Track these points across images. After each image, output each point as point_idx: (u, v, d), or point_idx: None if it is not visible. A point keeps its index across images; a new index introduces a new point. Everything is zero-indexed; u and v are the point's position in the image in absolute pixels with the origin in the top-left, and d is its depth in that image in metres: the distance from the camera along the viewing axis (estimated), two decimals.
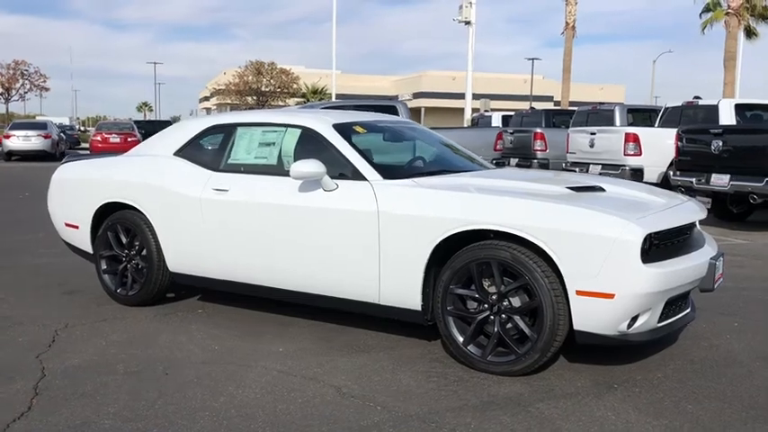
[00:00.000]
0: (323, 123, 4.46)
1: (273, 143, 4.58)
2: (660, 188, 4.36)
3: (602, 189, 4.00)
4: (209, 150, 4.87)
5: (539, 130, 13.98)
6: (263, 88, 47.53)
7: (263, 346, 4.14)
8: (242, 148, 4.69)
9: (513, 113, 18.09)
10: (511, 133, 14.57)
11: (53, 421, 3.08)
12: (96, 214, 5.17)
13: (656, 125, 13.15)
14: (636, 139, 11.15)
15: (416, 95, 69.60)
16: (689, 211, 3.88)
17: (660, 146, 11.21)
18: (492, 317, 3.67)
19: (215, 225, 4.54)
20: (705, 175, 9.36)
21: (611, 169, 11.37)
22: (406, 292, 3.91)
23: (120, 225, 5.02)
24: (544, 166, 13.79)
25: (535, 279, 3.47)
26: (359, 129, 4.57)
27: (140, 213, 4.92)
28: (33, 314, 4.82)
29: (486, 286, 3.69)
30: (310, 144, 4.43)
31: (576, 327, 3.47)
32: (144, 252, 4.93)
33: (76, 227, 5.32)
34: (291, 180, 4.30)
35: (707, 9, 33.03)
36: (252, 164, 4.60)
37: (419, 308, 3.90)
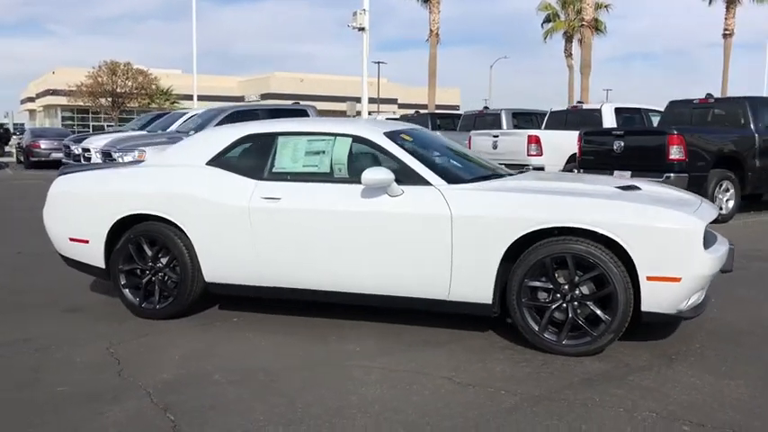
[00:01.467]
0: (374, 132, 4.68)
1: (323, 152, 4.72)
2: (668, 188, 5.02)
3: (638, 188, 4.58)
4: (247, 159, 4.89)
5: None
6: (117, 89, 44.99)
7: (341, 347, 4.30)
8: (286, 156, 4.77)
9: (396, 117, 18.72)
10: None
11: None
12: (113, 228, 5.00)
13: (543, 127, 14.36)
14: (537, 140, 12.15)
15: (264, 96, 69.06)
16: (711, 206, 4.55)
17: (557, 146, 12.29)
18: (564, 305, 4.11)
19: (266, 233, 4.59)
20: (607, 172, 10.46)
21: (515, 169, 12.28)
22: (478, 287, 4.25)
23: (144, 237, 4.90)
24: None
25: (609, 269, 3.96)
26: (405, 137, 4.83)
27: (171, 225, 4.84)
28: (58, 335, 4.59)
29: (557, 278, 4.13)
30: (363, 152, 4.63)
31: (643, 308, 4.00)
32: (174, 264, 4.85)
33: (86, 241, 5.09)
34: (351, 186, 4.48)
35: (548, 20, 36.08)
36: (300, 172, 4.70)
37: (490, 301, 4.26)
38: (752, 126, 10.69)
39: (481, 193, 4.28)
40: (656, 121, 14.02)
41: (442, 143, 5.25)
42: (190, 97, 40.78)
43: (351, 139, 4.68)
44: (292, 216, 4.54)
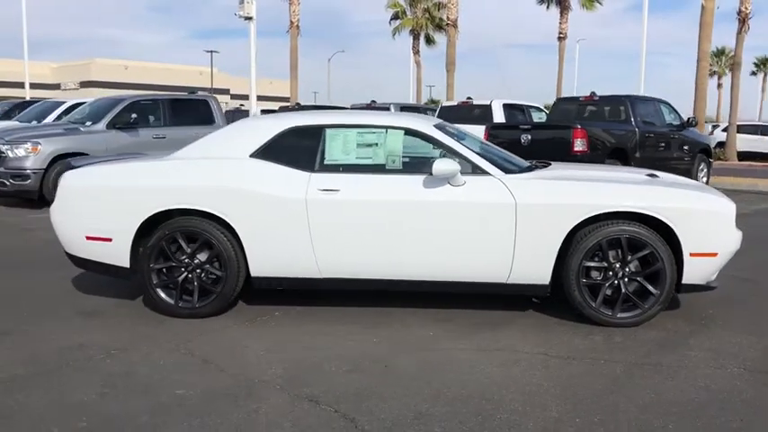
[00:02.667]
0: (426, 125, 4.86)
1: (376, 144, 4.81)
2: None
3: (657, 176, 5.15)
4: (294, 152, 4.84)
5: None
6: None
7: (415, 333, 4.45)
8: (336, 149, 4.80)
9: (278, 108, 18.55)
10: None
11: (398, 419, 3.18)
12: (144, 224, 4.74)
13: None
14: None
15: (84, 84, 64.55)
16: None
17: None
18: (616, 282, 4.58)
19: (325, 225, 4.61)
20: None
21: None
22: (538, 270, 4.59)
23: (180, 233, 4.70)
24: None
25: (658, 247, 4.48)
26: (450, 129, 5.05)
27: (213, 219, 4.69)
28: (107, 339, 4.31)
29: (610, 257, 4.58)
30: (415, 144, 4.79)
31: (684, 281, 4.57)
32: (215, 260, 4.71)
33: (108, 239, 4.77)
34: (408, 177, 4.64)
35: (396, 17, 37.17)
36: (353, 164, 4.76)
37: (547, 282, 4.63)
38: (632, 121, 12.01)
39: (539, 182, 4.63)
40: (535, 116, 15.22)
41: (473, 137, 5.52)
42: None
43: (403, 132, 4.82)
44: (353, 207, 4.60)
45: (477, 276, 4.66)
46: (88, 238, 4.82)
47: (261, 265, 4.73)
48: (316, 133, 4.85)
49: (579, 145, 10.66)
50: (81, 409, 3.30)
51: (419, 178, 4.63)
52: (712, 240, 4.53)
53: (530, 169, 5.02)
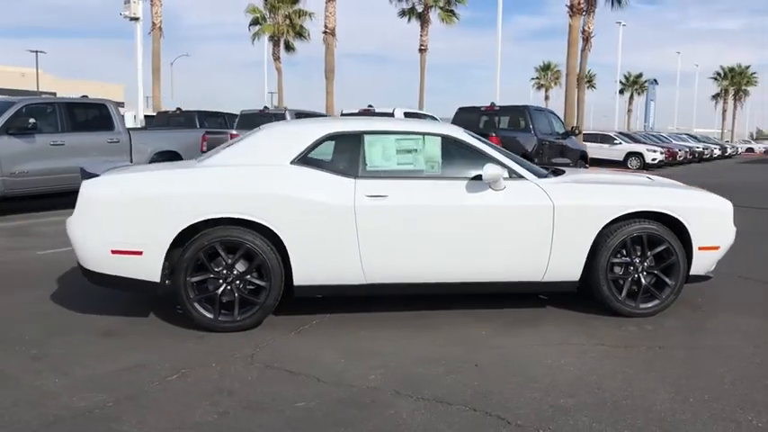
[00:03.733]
0: (458, 131, 5.01)
1: (415, 150, 4.88)
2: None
3: (653, 179, 5.66)
4: (335, 158, 4.80)
5: (234, 131, 14.46)
6: None
7: (465, 332, 4.59)
8: (376, 155, 4.82)
9: (155, 114, 17.72)
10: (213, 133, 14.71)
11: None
12: (179, 235, 4.49)
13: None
14: None
15: None
16: None
17: None
18: (636, 275, 5.01)
19: (374, 231, 4.62)
20: None
21: None
22: (570, 268, 4.91)
23: (220, 243, 4.50)
24: None
25: (673, 243, 4.97)
26: (476, 136, 5.23)
27: (254, 227, 4.54)
28: (158, 357, 4.06)
29: (632, 253, 5.00)
30: (453, 150, 4.93)
31: (691, 272, 5.10)
32: (258, 269, 4.57)
33: (137, 253, 4.46)
34: (449, 182, 4.79)
35: (255, 22, 36.64)
36: (395, 170, 4.81)
37: (578, 279, 4.96)
38: (532, 129, 12.88)
39: (571, 185, 4.95)
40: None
41: (490, 143, 5.74)
42: None
43: (440, 138, 4.94)
44: (403, 213, 4.66)
45: (516, 276, 4.89)
46: (114, 251, 4.47)
47: (305, 273, 4.64)
48: (355, 140, 4.84)
49: None
50: (212, 430, 3.12)
51: (461, 183, 4.79)
52: (716, 235, 5.08)
53: (555, 174, 5.33)
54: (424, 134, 4.94)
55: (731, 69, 69.01)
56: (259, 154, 4.74)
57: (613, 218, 4.88)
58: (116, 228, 4.46)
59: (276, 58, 36.67)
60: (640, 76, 70.34)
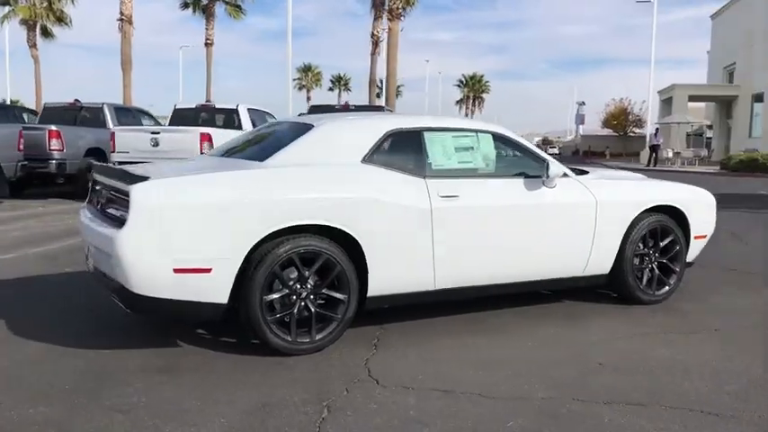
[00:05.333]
0: (503, 129, 4.92)
1: (471, 148, 4.70)
2: None
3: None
4: (400, 156, 4.43)
5: (54, 128, 12.54)
6: None
7: (537, 331, 4.56)
8: (438, 153, 4.55)
9: None
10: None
11: None
12: (254, 247, 3.85)
13: (168, 124, 13.97)
14: (210, 138, 11.92)
15: None
16: None
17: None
18: (651, 265, 5.36)
19: (448, 233, 4.38)
20: None
21: None
22: (605, 261, 5.10)
23: (296, 255, 3.95)
24: (62, 166, 12.62)
25: (678, 233, 5.41)
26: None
27: (333, 235, 4.06)
28: (262, 394, 3.47)
29: (647, 245, 5.33)
30: (502, 148, 4.84)
31: (686, 260, 5.59)
32: (336, 282, 4.09)
33: (206, 270, 3.74)
34: (507, 180, 4.73)
35: (4, 2, 32.10)
36: (456, 169, 4.59)
37: (608, 271, 5.18)
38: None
39: (605, 181, 5.14)
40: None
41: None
42: None
43: (491, 136, 4.81)
44: (474, 213, 4.48)
45: (564, 272, 4.96)
46: (178, 270, 3.68)
47: (381, 282, 4.24)
48: (416, 137, 4.53)
49: None
50: None
51: (518, 181, 4.73)
52: (706, 225, 5.63)
53: (583, 172, 5.46)
54: (477, 131, 4.79)
55: (471, 77, 76.36)
56: (327, 152, 4.23)
57: (640, 212, 5.17)
58: (181, 242, 3.68)
59: (32, 45, 32.48)
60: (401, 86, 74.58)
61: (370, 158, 4.29)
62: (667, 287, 5.41)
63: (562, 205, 4.83)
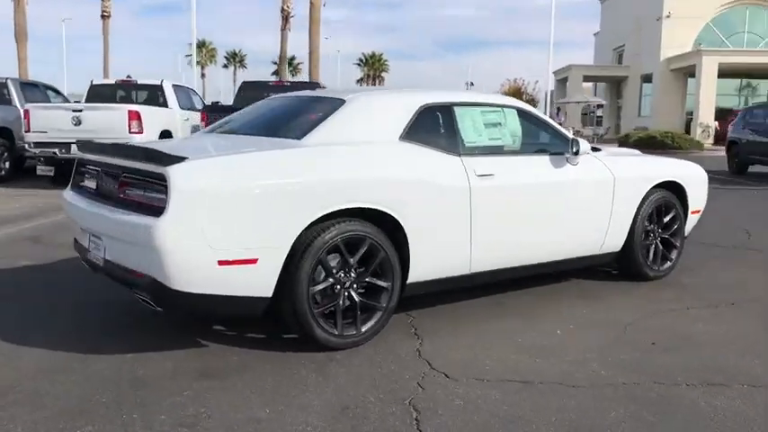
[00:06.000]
0: (523, 104, 4.74)
1: (498, 123, 4.49)
2: None
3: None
4: (434, 133, 4.16)
5: None
6: None
7: (573, 311, 4.45)
8: (469, 129, 4.31)
9: None
10: None
11: None
12: (302, 234, 3.50)
13: (84, 101, 12.97)
14: (138, 116, 11.10)
15: None
16: None
17: (152, 123, 11.52)
18: (655, 241, 5.38)
19: (485, 214, 4.17)
20: None
21: None
22: (619, 238, 5.06)
23: (341, 241, 3.63)
24: None
25: (679, 209, 5.45)
26: None
27: (374, 218, 3.76)
28: (357, 393, 3.18)
29: (652, 221, 5.33)
30: (525, 123, 4.67)
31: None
32: (379, 269, 3.80)
33: (252, 261, 3.36)
34: (534, 158, 4.58)
35: None
36: (487, 146, 4.38)
37: (620, 248, 5.14)
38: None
39: (619, 158, 5.09)
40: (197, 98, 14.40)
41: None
42: None
43: (516, 111, 4.62)
44: (509, 192, 4.29)
45: (584, 251, 4.87)
46: (222, 262, 3.27)
47: (421, 268, 3.99)
48: (447, 112, 4.27)
49: None
50: None
51: (544, 159, 4.59)
52: (700, 200, 5.71)
53: (594, 149, 5.36)
54: (502, 106, 4.59)
55: (371, 56, 76.07)
56: (364, 128, 3.91)
57: (651, 187, 5.16)
58: (227, 231, 3.27)
59: None
60: (294, 58, 73.29)
61: (407, 135, 4.00)
62: (669, 262, 5.45)
63: (585, 183, 4.73)
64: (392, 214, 3.76)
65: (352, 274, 3.70)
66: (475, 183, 4.10)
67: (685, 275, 5.51)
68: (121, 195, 3.54)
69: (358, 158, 3.73)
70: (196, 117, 13.11)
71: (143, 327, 4.04)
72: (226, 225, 3.26)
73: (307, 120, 4.01)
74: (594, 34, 53.19)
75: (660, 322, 4.28)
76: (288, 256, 3.44)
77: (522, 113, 4.66)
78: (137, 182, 3.45)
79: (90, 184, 3.98)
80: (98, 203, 3.70)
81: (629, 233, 5.10)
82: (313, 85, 12.68)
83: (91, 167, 4.00)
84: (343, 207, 3.57)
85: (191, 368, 3.39)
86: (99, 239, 3.66)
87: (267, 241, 3.37)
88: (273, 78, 13.53)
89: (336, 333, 3.62)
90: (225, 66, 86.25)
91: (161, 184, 3.22)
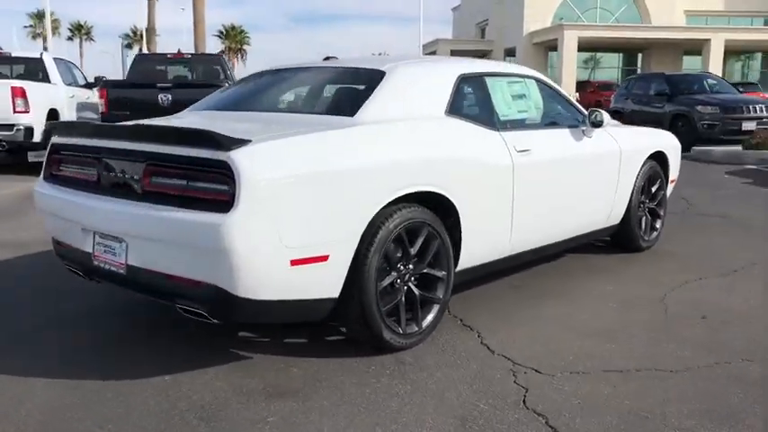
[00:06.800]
0: (539, 73, 4.51)
1: (524, 95, 4.22)
2: None
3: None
4: (472, 106, 3.83)
5: None
6: None
7: (609, 290, 4.33)
8: (501, 101, 4.01)
9: None
10: None
11: None
12: (369, 223, 3.08)
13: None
14: (24, 93, 9.79)
15: None
16: None
17: (40, 101, 10.24)
18: (646, 210, 5.36)
19: (524, 193, 3.91)
20: None
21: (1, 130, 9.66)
22: (621, 210, 4.98)
23: (403, 230, 3.24)
24: None
25: (663, 178, 5.48)
26: None
27: (431, 202, 3.40)
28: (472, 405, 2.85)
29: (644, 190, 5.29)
30: (545, 95, 4.45)
31: None
32: (435, 258, 3.45)
33: (323, 258, 2.90)
34: (557, 131, 4.38)
35: None
36: (518, 119, 4.11)
37: (620, 221, 5.08)
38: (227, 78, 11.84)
39: (620, 129, 5.00)
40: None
41: None
42: None
43: (535, 82, 4.38)
44: (543, 169, 4.06)
45: (595, 224, 4.76)
46: (295, 262, 2.79)
47: (471, 253, 3.68)
48: (481, 83, 3.95)
49: None
50: None
51: (565, 132, 4.40)
52: (677, 168, 5.79)
53: None
54: (524, 77, 4.33)
55: (231, 28, 73.08)
56: (410, 102, 3.50)
57: (647, 157, 5.13)
58: (300, 224, 2.78)
59: None
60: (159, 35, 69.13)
61: (451, 110, 3.64)
62: (656, 232, 5.48)
63: (599, 155, 4.60)
64: (448, 197, 3.40)
65: (410, 266, 3.31)
66: (516, 159, 3.82)
67: (668, 245, 5.55)
68: (148, 187, 2.92)
69: (417, 137, 3.33)
70: (82, 94, 11.84)
71: (159, 339, 3.44)
72: (299, 218, 2.77)
73: (348, 94, 3.56)
74: (453, 9, 54.43)
75: (690, 295, 4.23)
76: (356, 249, 3.00)
77: (540, 84, 4.43)
78: (173, 170, 2.85)
79: (82, 174, 3.29)
80: (109, 198, 3.05)
81: (627, 205, 5.05)
82: (217, 57, 11.81)
83: (80, 154, 3.31)
84: (409, 191, 3.17)
85: (251, 387, 2.89)
86: (116, 242, 3.02)
87: (337, 234, 2.91)
88: (171, 52, 12.37)
89: (401, 332, 3.24)
90: (69, 38, 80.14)
91: (219, 172, 2.66)
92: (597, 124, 4.42)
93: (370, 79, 3.54)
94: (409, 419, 2.62)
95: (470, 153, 3.55)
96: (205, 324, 3.01)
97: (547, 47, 38.96)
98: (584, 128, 4.47)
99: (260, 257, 2.67)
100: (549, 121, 4.41)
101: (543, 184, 4.06)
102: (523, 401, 2.78)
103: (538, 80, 4.43)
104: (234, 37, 73.25)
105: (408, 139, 3.28)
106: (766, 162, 11.16)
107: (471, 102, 3.85)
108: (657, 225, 5.47)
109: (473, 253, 3.68)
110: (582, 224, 4.60)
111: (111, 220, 3.00)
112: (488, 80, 4.00)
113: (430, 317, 3.39)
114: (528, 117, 4.24)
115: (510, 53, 42.05)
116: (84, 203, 3.13)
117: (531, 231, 4.08)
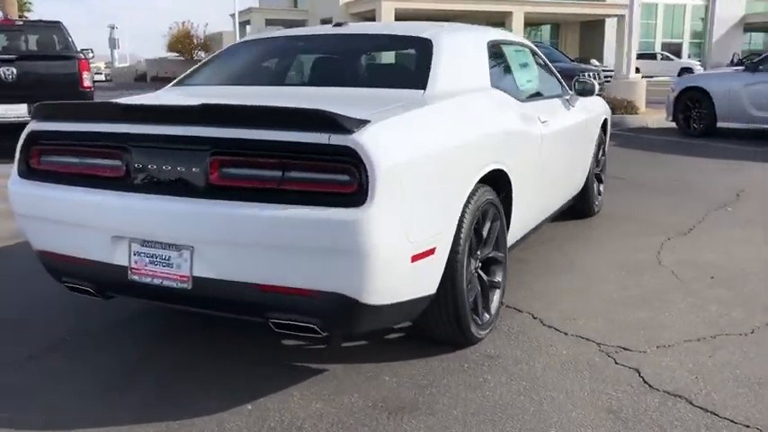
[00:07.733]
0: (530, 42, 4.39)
1: (527, 64, 4.07)
2: None
3: None
4: (498, 75, 3.59)
5: None
6: None
7: (612, 262, 4.36)
8: (517, 71, 3.84)
9: None
10: None
11: None
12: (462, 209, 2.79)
13: None
14: None
15: None
16: None
17: None
18: (594, 177, 5.50)
19: (547, 165, 3.81)
20: None
21: None
22: (585, 178, 5.04)
23: (480, 214, 2.98)
24: None
25: (604, 144, 5.64)
26: None
27: (494, 180, 3.18)
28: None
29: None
30: (538, 64, 4.34)
31: None
32: (496, 240, 3.24)
33: (432, 251, 2.58)
34: (555, 101, 4.31)
35: None
36: (527, 89, 3.96)
37: (581, 188, 5.14)
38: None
39: (584, 98, 5.01)
40: None
41: None
42: None
43: (529, 51, 4.24)
44: (558, 139, 3.98)
45: (574, 191, 4.78)
46: (415, 258, 2.43)
47: (513, 231, 3.50)
48: (499, 51, 3.74)
49: (88, 79, 8.98)
50: None
51: (558, 101, 4.33)
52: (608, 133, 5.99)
53: None
54: (523, 45, 4.17)
55: None
56: (462, 75, 3.20)
57: (601, 125, 5.23)
58: (419, 215, 2.42)
59: None
60: None
61: (491, 81, 3.40)
62: (600, 196, 5.65)
63: (583, 123, 4.61)
64: (507, 174, 3.18)
65: (478, 252, 3.06)
66: (543, 130, 3.69)
67: (610, 208, 5.75)
68: (224, 182, 2.37)
69: (489, 112, 3.07)
70: None
71: (207, 362, 2.88)
72: (419, 207, 2.41)
73: (402, 65, 3.19)
74: None
75: (678, 257, 4.35)
76: (453, 238, 2.69)
77: (533, 53, 4.31)
78: (265, 160, 2.32)
79: (94, 168, 2.62)
80: (161, 196, 2.44)
81: (588, 171, 5.14)
82: (56, 24, 10.27)
83: (89, 143, 2.63)
84: (490, 169, 2.91)
85: (357, 404, 2.50)
86: (173, 250, 2.44)
87: (442, 223, 2.59)
88: None
89: (480, 323, 2.99)
90: None
91: (339, 159, 2.22)
92: (586, 93, 4.40)
93: (421, 49, 3.18)
94: (560, 419, 2.41)
95: (518, 126, 3.35)
96: (236, 337, 2.54)
97: (364, 18, 39.19)
98: (568, 97, 4.43)
99: (391, 256, 2.28)
100: (547, 91, 4.31)
101: (558, 154, 3.98)
102: (646, 383, 2.67)
103: (531, 49, 4.30)
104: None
105: (485, 115, 3.01)
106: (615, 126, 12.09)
107: (500, 72, 3.63)
108: (602, 189, 5.64)
109: (516, 231, 3.50)
110: (569, 192, 4.60)
111: (168, 223, 2.41)
112: (505, 48, 3.80)
113: (494, 304, 3.17)
114: (534, 86, 4.12)
115: (326, 24, 41.80)
116: (113, 204, 2.49)
117: (547, 202, 3.99)
